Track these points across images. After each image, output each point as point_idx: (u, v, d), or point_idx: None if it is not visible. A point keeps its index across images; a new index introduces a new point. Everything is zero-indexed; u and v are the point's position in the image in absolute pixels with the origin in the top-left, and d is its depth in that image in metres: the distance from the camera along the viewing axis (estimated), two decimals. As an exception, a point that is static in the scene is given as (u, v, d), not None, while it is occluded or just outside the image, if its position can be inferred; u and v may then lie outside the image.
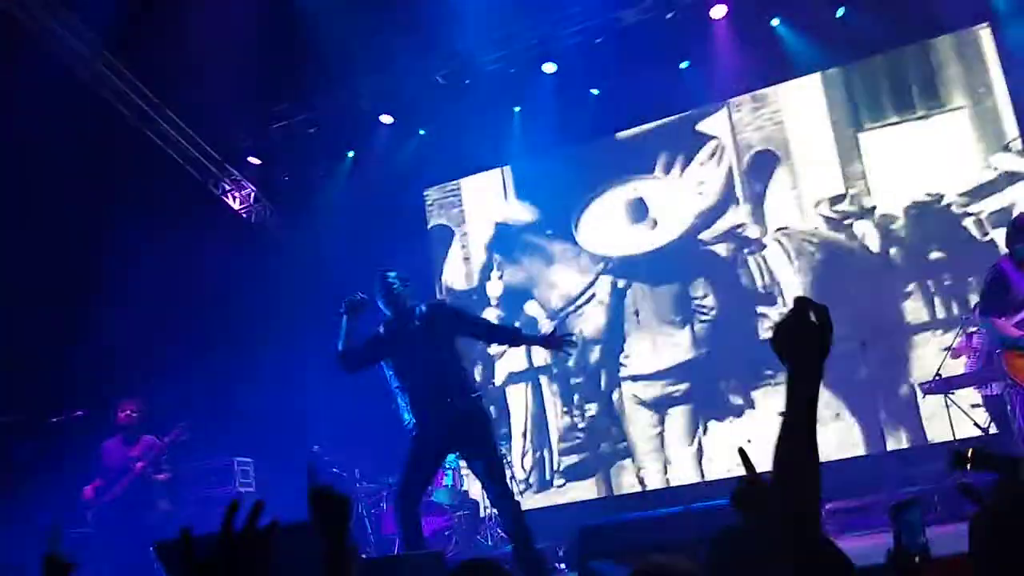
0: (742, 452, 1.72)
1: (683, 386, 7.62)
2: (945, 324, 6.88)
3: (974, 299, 6.74)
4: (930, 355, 6.87)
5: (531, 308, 8.28)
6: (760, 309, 7.48)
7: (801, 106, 7.62)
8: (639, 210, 8.05)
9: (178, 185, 7.90)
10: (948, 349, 6.47)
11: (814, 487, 1.36)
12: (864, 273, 7.22)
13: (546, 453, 8.01)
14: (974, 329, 6.45)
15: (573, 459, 7.90)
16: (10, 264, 6.05)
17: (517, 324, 7.69)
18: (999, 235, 6.85)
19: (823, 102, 7.55)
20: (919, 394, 6.77)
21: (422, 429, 4.48)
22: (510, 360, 8.22)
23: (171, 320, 6.90)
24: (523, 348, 7.89)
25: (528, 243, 8.41)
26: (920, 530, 3.34)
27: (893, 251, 7.20)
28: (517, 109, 8.22)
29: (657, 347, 7.77)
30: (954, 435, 6.05)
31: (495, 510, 6.53)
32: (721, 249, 7.69)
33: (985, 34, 7.12)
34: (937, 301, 6.99)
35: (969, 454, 2.08)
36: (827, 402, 7.00)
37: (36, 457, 5.96)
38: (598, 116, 7.97)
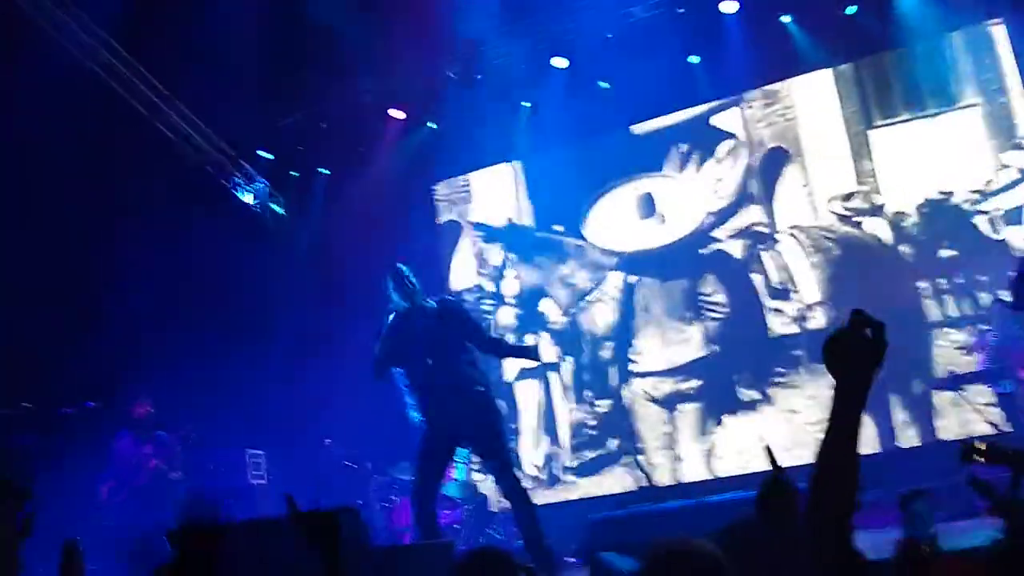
0: (768, 450, 1.72)
1: (694, 383, 7.61)
2: (957, 322, 6.83)
3: (985, 297, 6.71)
4: (942, 352, 6.84)
5: (545, 305, 8.27)
6: (771, 306, 7.46)
7: (812, 102, 7.58)
8: (649, 206, 8.04)
9: (189, 179, 7.92)
10: (962, 348, 6.46)
11: (852, 492, 1.39)
12: (875, 270, 7.18)
13: (556, 449, 8.01)
14: (987, 327, 6.43)
15: (583, 455, 7.90)
16: (22, 256, 6.09)
17: (529, 320, 7.68)
18: (1011, 233, 6.82)
19: (834, 98, 7.51)
20: (931, 391, 6.76)
21: (432, 424, 4.48)
22: None
23: (182, 313, 6.93)
24: (533, 342, 7.90)
25: (539, 239, 8.40)
26: (929, 521, 3.33)
27: (904, 248, 7.16)
28: (527, 104, 8.20)
29: (668, 344, 7.76)
30: (965, 432, 6.04)
31: (505, 504, 6.55)
32: (732, 245, 7.67)
33: (998, 30, 7.07)
34: (948, 299, 6.95)
35: (982, 447, 2.07)
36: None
37: (46, 449, 6.00)
38: (609, 111, 7.95)
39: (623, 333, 7.93)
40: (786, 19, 7.44)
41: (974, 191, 6.98)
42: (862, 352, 1.41)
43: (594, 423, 7.90)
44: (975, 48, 7.13)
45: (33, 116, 6.12)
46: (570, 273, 8.23)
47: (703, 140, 7.90)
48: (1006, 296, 6.59)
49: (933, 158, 7.10)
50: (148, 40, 7.01)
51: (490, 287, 8.49)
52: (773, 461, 1.67)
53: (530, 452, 8.05)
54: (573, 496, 7.77)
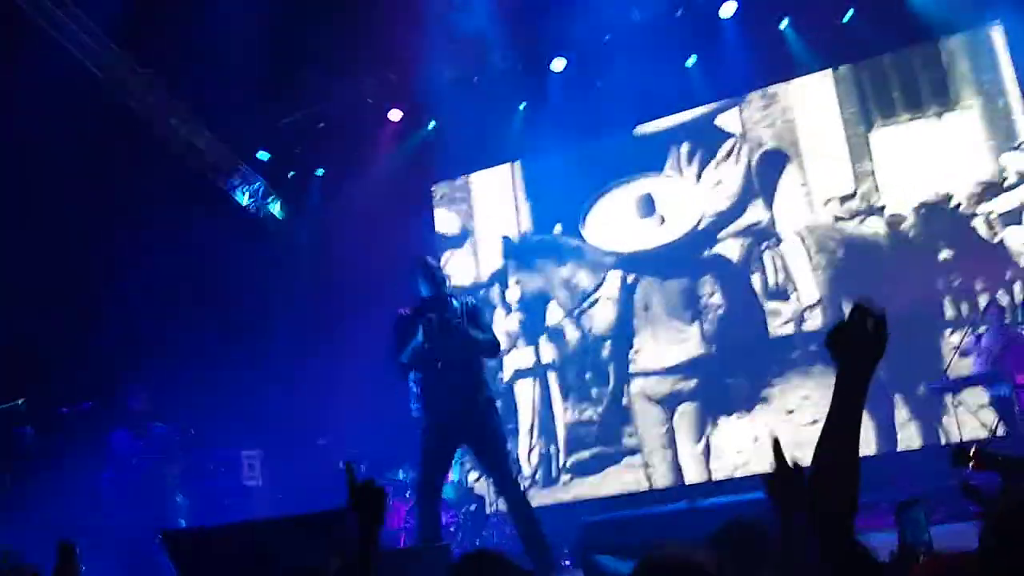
0: (776, 443, 1.72)
1: (692, 383, 7.61)
2: (954, 324, 6.84)
3: (983, 299, 6.72)
4: (939, 355, 6.85)
5: (544, 306, 8.26)
6: (770, 306, 7.46)
7: (811, 103, 7.59)
8: (649, 206, 8.04)
9: (187, 179, 7.92)
10: (956, 349, 6.46)
11: (854, 487, 1.39)
12: (873, 272, 7.19)
13: (553, 450, 8.01)
14: (983, 330, 6.43)
15: (580, 456, 7.89)
16: (21, 256, 6.09)
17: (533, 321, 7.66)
18: (1009, 235, 6.82)
19: (833, 99, 7.52)
20: (928, 394, 6.76)
21: (436, 422, 4.51)
22: (517, 356, 8.23)
23: (180, 313, 6.94)
24: (530, 344, 8.09)
25: (538, 240, 8.40)
26: (924, 528, 3.34)
27: (902, 250, 7.17)
28: (522, 105, 8.20)
29: (667, 344, 7.75)
30: (961, 436, 6.04)
31: (501, 507, 6.55)
32: (731, 246, 7.67)
33: (997, 33, 7.08)
34: (946, 301, 6.96)
35: (971, 452, 2.08)
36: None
37: (45, 448, 6.01)
38: (607, 113, 7.95)
39: (622, 333, 7.93)
40: (784, 24, 7.45)
41: (972, 193, 6.99)
42: (864, 343, 1.43)
43: (592, 424, 7.90)
44: (974, 50, 7.14)
45: (31, 116, 6.12)
46: (569, 274, 8.23)
47: (702, 141, 7.91)
48: (1003, 300, 6.61)
49: (932, 159, 7.11)
50: (146, 41, 7.01)
51: (493, 290, 8.48)
52: (779, 456, 1.66)
53: (526, 453, 8.05)
54: (569, 497, 7.77)
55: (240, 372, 7.08)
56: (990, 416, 6.22)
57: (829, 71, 7.54)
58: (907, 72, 7.31)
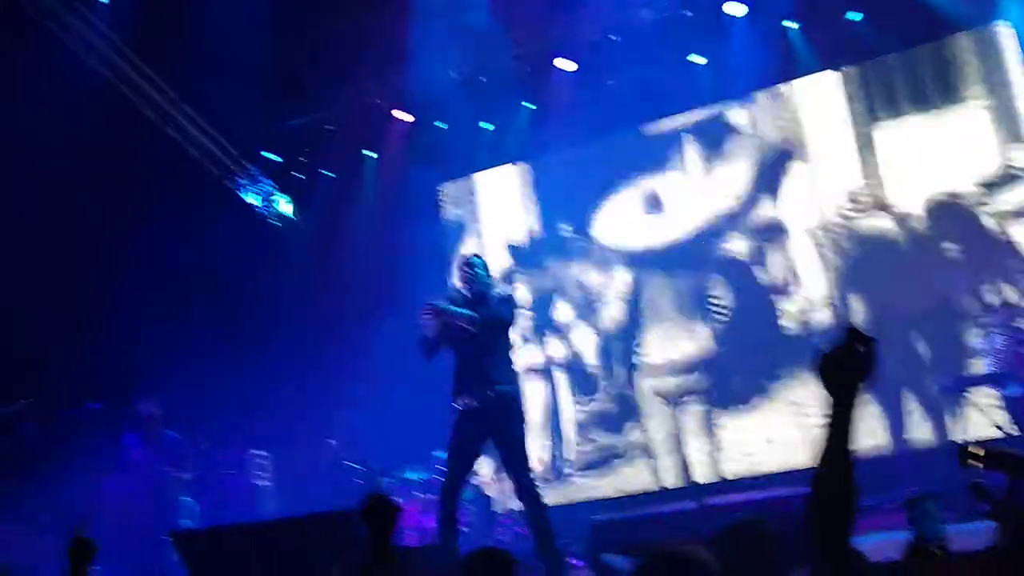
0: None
1: (702, 381, 7.58)
2: (964, 322, 6.78)
3: (993, 297, 6.68)
4: (949, 353, 6.81)
5: (553, 305, 8.25)
6: (778, 304, 7.43)
7: (818, 101, 7.55)
8: (657, 205, 8.01)
9: (196, 181, 7.95)
10: (968, 349, 6.42)
11: (849, 500, 1.44)
12: (881, 268, 7.15)
13: (562, 448, 8.00)
14: (994, 329, 6.39)
15: (589, 454, 7.88)
16: (29, 257, 6.12)
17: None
18: (1017, 230, 6.79)
19: (840, 97, 7.47)
20: (939, 393, 6.72)
21: (462, 416, 4.58)
22: (526, 354, 8.22)
23: (188, 314, 6.95)
24: (539, 343, 8.07)
25: (546, 239, 8.39)
26: (937, 522, 3.32)
27: (910, 247, 7.13)
28: (532, 106, 8.20)
29: (675, 342, 7.73)
30: (971, 436, 6.00)
31: (510, 505, 6.55)
32: (740, 244, 7.65)
33: (1004, 29, 7.03)
34: (955, 298, 6.92)
35: (979, 452, 2.07)
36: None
37: (51, 451, 6.03)
38: (615, 113, 7.94)
39: (630, 331, 7.91)
40: (790, 24, 7.44)
41: (979, 189, 6.94)
42: (853, 367, 1.47)
43: (601, 422, 7.89)
44: (981, 46, 7.09)
45: (40, 117, 6.15)
46: (577, 272, 8.22)
47: (710, 140, 7.88)
48: (1012, 298, 6.58)
49: (940, 156, 7.06)
50: (155, 43, 7.04)
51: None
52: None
53: (535, 451, 8.03)
54: (578, 496, 7.75)
55: (249, 372, 7.09)
56: (1002, 416, 6.18)
57: (835, 69, 7.50)
58: (913, 69, 7.27)
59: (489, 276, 4.86)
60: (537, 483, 4.78)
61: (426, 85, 7.96)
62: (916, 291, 7.00)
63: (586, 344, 8.08)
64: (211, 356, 6.63)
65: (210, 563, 3.35)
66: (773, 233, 7.55)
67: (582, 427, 7.97)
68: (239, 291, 7.42)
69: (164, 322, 6.76)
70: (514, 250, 8.51)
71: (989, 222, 6.90)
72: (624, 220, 8.11)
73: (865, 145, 7.35)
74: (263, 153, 8.59)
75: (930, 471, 5.88)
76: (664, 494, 7.33)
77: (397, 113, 8.27)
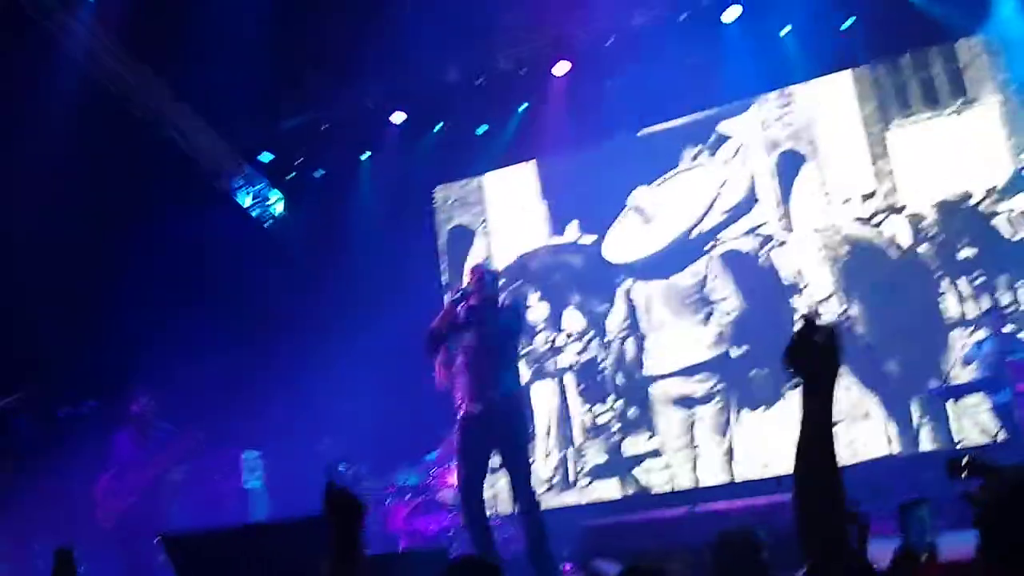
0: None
1: (710, 384, 7.56)
2: (976, 323, 6.76)
3: (1006, 297, 6.70)
4: (954, 356, 6.81)
5: (564, 311, 8.24)
6: (788, 305, 7.40)
7: (828, 102, 7.54)
8: (664, 208, 8.00)
9: (191, 180, 7.93)
10: (959, 354, 6.44)
11: (837, 495, 1.44)
12: (893, 271, 7.15)
13: (570, 452, 7.99)
14: (982, 337, 6.42)
15: (598, 458, 7.85)
16: (24, 255, 6.10)
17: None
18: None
19: (851, 98, 7.46)
20: (940, 397, 6.71)
21: (467, 418, 4.62)
22: (534, 360, 8.20)
23: (181, 313, 6.93)
24: (548, 347, 8.11)
25: (551, 244, 8.37)
26: (928, 529, 3.32)
27: (923, 249, 7.12)
28: (525, 107, 8.20)
29: (683, 345, 7.71)
30: (961, 442, 6.03)
31: (500, 511, 6.54)
32: (747, 246, 7.62)
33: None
34: (968, 300, 6.92)
35: (966, 463, 2.09)
36: (854, 402, 6.97)
37: (44, 447, 6.01)
38: (614, 116, 7.95)
39: (637, 335, 7.90)
40: (786, 30, 7.46)
41: (993, 190, 6.92)
42: (816, 356, 1.47)
43: (609, 426, 7.87)
44: (992, 48, 7.07)
45: (36, 117, 6.14)
46: (584, 277, 8.20)
47: (718, 141, 7.87)
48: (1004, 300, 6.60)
49: (951, 157, 7.05)
50: (151, 42, 7.02)
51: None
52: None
53: (544, 456, 8.02)
54: (587, 500, 7.73)
55: (241, 373, 7.08)
56: (991, 422, 6.21)
57: (848, 70, 7.49)
58: (924, 70, 7.26)
59: (497, 286, 4.95)
60: (536, 490, 4.82)
61: (423, 86, 7.97)
62: (928, 292, 7.00)
63: (595, 349, 8.06)
64: (202, 355, 6.61)
65: (199, 566, 3.34)
66: (783, 235, 7.54)
67: (592, 431, 7.94)
68: (233, 291, 7.40)
69: (159, 321, 6.74)
70: (520, 254, 8.48)
71: (1002, 222, 6.89)
72: (630, 224, 8.09)
73: (876, 146, 7.34)
74: (259, 153, 8.57)
75: (921, 477, 5.90)
76: (673, 497, 7.27)
77: (394, 115, 8.25)
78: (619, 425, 7.85)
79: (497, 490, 6.57)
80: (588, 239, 8.22)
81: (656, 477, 7.64)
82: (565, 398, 8.09)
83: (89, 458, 6.18)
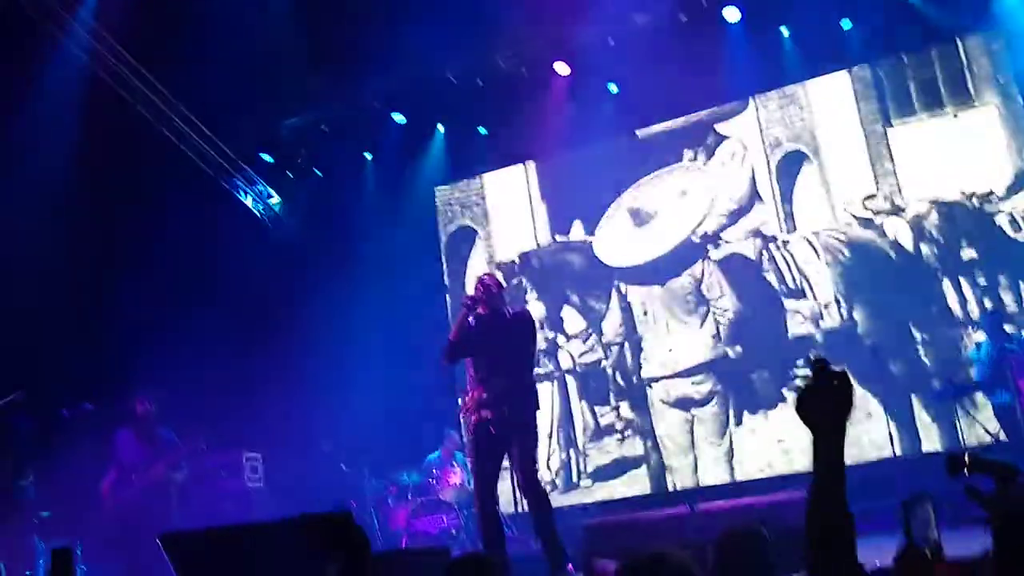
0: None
1: (711, 385, 7.55)
2: (977, 324, 6.75)
3: (1008, 297, 6.69)
4: (944, 358, 6.82)
5: (564, 312, 8.24)
6: (789, 307, 7.39)
7: (829, 103, 7.53)
8: (663, 208, 7.99)
9: (191, 181, 7.94)
10: (962, 354, 6.43)
11: (850, 536, 1.47)
12: (895, 271, 7.14)
13: (573, 453, 7.98)
14: (983, 338, 6.42)
15: (600, 459, 7.85)
16: (25, 256, 6.11)
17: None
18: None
19: (852, 99, 7.46)
20: (943, 396, 6.70)
21: (482, 422, 4.69)
22: (536, 361, 8.19)
23: (181, 314, 6.94)
24: (550, 351, 8.16)
25: (552, 245, 8.37)
26: (932, 525, 3.29)
27: (925, 249, 7.10)
28: (529, 110, 8.19)
29: (682, 346, 7.70)
30: (959, 441, 6.02)
31: (503, 511, 6.55)
32: (748, 247, 7.62)
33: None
34: (970, 300, 6.90)
35: (966, 460, 2.09)
36: (857, 402, 6.94)
37: (46, 447, 6.01)
38: (615, 116, 7.96)
39: (638, 336, 7.90)
40: (785, 32, 7.46)
41: (995, 190, 6.90)
42: (832, 401, 1.50)
43: (611, 427, 7.87)
44: (991, 48, 7.07)
45: (37, 117, 6.14)
46: (584, 278, 8.20)
47: (717, 142, 7.87)
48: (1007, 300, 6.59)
49: (953, 158, 7.03)
50: (151, 43, 7.03)
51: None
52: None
53: (546, 457, 8.00)
54: (589, 500, 7.73)
55: (243, 374, 7.08)
56: (993, 422, 6.20)
57: (846, 71, 7.48)
58: (925, 70, 7.25)
59: (504, 294, 5.01)
60: (544, 489, 4.90)
61: (424, 87, 7.97)
62: (931, 292, 6.98)
63: (597, 350, 8.06)
64: (204, 356, 6.61)
65: (199, 566, 3.33)
66: (783, 236, 7.54)
67: (594, 432, 7.94)
68: (234, 292, 7.40)
69: (158, 321, 6.75)
70: (521, 255, 8.47)
71: (1004, 222, 6.87)
72: (630, 225, 8.08)
73: (877, 146, 7.33)
74: (260, 153, 8.57)
75: (924, 476, 5.89)
76: (675, 497, 7.27)
77: (395, 115, 8.26)
78: (621, 426, 7.85)
79: (502, 490, 6.57)
80: (589, 239, 8.23)
81: (657, 478, 7.63)
82: (568, 399, 8.08)
83: (90, 457, 6.18)
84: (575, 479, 7.91)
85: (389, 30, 6.89)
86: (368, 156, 8.70)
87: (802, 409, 1.49)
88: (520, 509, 5.70)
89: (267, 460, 7.15)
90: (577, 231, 8.28)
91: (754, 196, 7.69)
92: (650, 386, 7.80)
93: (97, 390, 6.32)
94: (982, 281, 6.87)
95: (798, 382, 7.08)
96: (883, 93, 7.38)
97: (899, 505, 3.49)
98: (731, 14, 7.39)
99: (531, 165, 8.55)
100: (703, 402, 7.58)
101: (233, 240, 7.64)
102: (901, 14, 7.08)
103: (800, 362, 7.23)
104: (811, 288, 7.37)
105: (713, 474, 7.46)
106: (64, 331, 6.65)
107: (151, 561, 5.39)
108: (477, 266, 8.59)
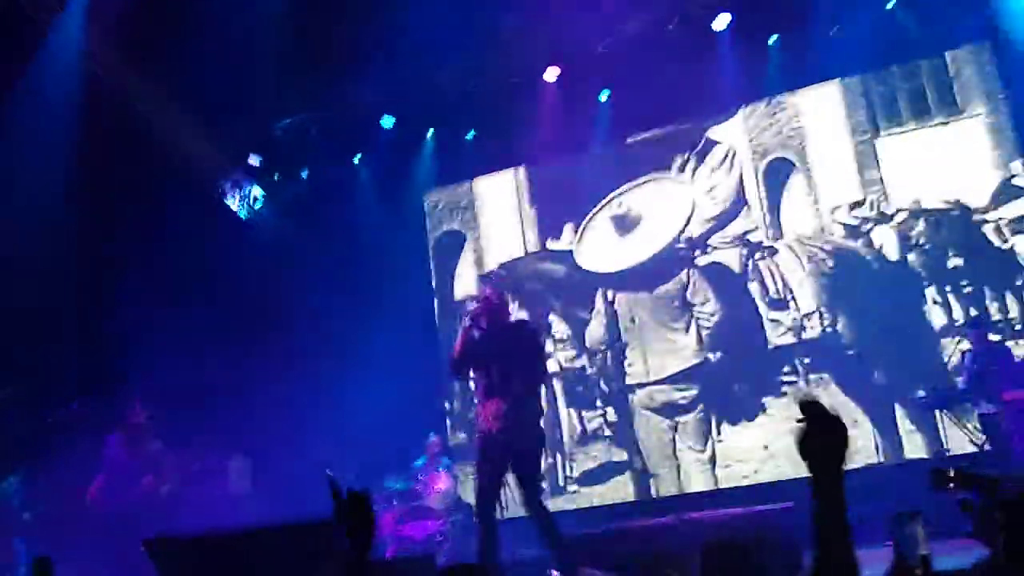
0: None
1: (694, 392, 7.58)
2: (963, 333, 6.77)
3: (993, 307, 6.74)
4: (928, 367, 6.86)
5: (550, 318, 8.23)
6: (772, 315, 7.44)
7: (817, 111, 7.58)
8: (649, 216, 8.02)
9: (182, 183, 7.89)
10: (946, 364, 6.47)
11: (851, 559, 1.50)
12: (882, 280, 7.19)
13: (559, 459, 7.99)
14: (968, 348, 6.46)
15: (586, 465, 7.87)
16: (18, 256, 6.08)
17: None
18: (1019, 242, 6.84)
19: (840, 108, 7.51)
20: (916, 409, 6.76)
21: (488, 433, 4.72)
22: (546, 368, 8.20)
23: (169, 317, 6.91)
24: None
25: (538, 251, 8.38)
26: (921, 543, 3.31)
27: (911, 258, 7.16)
28: (519, 115, 8.20)
29: (666, 355, 7.73)
30: (943, 450, 6.06)
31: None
32: (732, 255, 7.66)
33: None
34: (956, 308, 6.95)
35: (952, 474, 2.11)
36: (842, 411, 7.00)
37: (36, 446, 5.98)
38: (604, 123, 7.99)
39: (622, 343, 7.92)
40: (773, 40, 7.50)
41: (981, 200, 6.96)
42: (827, 443, 1.54)
43: (597, 433, 7.89)
44: (979, 59, 7.13)
45: (30, 117, 6.11)
46: (570, 285, 8.21)
47: (704, 150, 7.91)
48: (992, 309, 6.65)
49: (940, 167, 7.09)
50: (145, 46, 7.00)
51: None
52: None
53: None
54: (574, 506, 7.73)
55: (229, 377, 7.05)
56: (978, 432, 6.23)
57: (836, 80, 7.54)
58: (913, 80, 7.31)
59: (506, 307, 5.05)
60: (545, 499, 4.93)
61: (415, 91, 7.96)
62: (917, 301, 7.03)
63: (583, 356, 8.08)
64: (192, 359, 6.59)
65: (185, 571, 3.31)
66: (768, 244, 7.58)
67: (580, 438, 7.96)
68: (224, 295, 7.38)
69: (146, 324, 6.72)
70: (507, 261, 8.49)
71: (990, 231, 6.92)
72: (615, 233, 8.12)
73: (865, 155, 7.39)
74: (251, 155, 8.55)
75: (909, 485, 5.92)
76: (659, 504, 7.29)
77: (385, 119, 8.25)
78: (608, 432, 7.87)
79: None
80: (576, 246, 8.24)
81: (641, 484, 7.65)
82: (555, 404, 8.09)
83: (78, 460, 6.14)
84: (562, 484, 7.92)
85: (381, 34, 6.89)
86: (359, 159, 8.69)
87: (806, 452, 1.54)
88: (503, 516, 5.70)
89: (255, 463, 7.13)
90: (566, 236, 8.31)
91: (741, 203, 7.73)
92: (636, 392, 7.83)
93: (88, 391, 6.29)
94: (967, 290, 6.92)
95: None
96: (872, 103, 7.44)
97: (888, 519, 3.50)
98: (721, 23, 7.43)
99: (521, 170, 8.57)
100: (689, 409, 7.61)
101: (223, 242, 7.61)
102: (889, 25, 7.13)
103: (786, 368, 7.27)
104: (796, 296, 7.41)
105: (697, 481, 7.48)
106: (52, 330, 6.61)
107: (136, 566, 5.37)
108: (466, 270, 8.60)
